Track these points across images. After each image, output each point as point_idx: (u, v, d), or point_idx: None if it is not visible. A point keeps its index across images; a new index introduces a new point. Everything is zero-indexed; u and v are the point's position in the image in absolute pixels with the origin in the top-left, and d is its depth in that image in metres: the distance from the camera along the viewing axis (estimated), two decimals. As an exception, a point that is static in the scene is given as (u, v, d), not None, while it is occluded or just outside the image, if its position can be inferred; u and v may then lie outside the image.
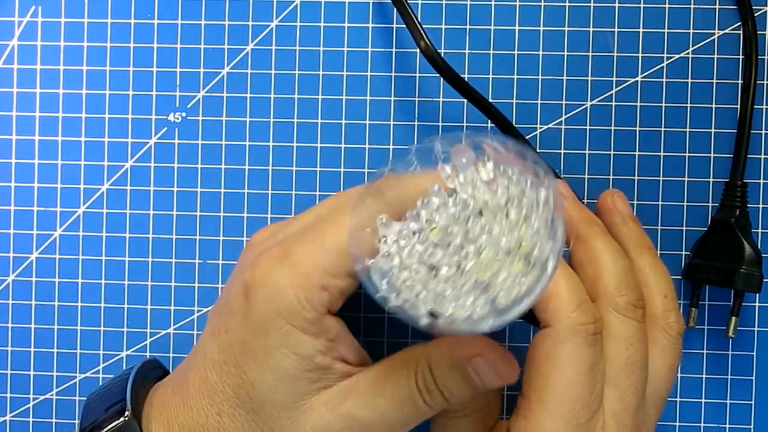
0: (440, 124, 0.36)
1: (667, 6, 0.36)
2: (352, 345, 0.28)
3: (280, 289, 0.25)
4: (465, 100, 0.35)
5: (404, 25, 0.33)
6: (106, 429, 0.27)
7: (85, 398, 0.31)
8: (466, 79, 0.36)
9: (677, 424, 0.36)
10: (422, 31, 0.33)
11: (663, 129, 0.36)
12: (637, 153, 0.36)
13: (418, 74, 0.36)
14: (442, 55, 0.36)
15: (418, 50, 0.35)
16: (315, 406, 0.26)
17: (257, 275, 0.26)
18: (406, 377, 0.26)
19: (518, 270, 0.22)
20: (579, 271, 0.30)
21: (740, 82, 0.35)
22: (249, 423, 0.26)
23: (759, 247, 0.34)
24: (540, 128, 0.36)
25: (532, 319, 0.28)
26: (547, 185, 0.23)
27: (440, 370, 0.26)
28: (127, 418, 0.27)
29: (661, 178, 0.36)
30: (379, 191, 0.25)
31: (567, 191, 0.31)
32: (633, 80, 0.36)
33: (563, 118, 0.36)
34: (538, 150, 0.35)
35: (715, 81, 0.35)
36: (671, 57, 0.36)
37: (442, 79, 0.34)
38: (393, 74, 0.36)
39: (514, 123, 0.36)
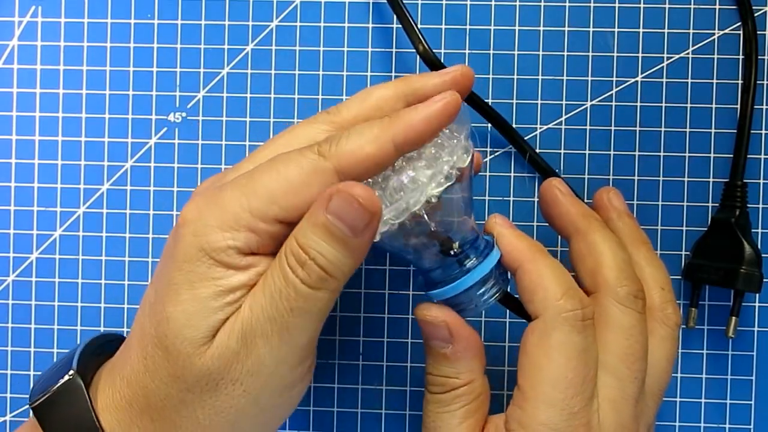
0: (440, 124, 0.36)
1: (667, 6, 0.36)
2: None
3: (207, 227, 0.25)
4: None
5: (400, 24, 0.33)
6: (51, 390, 0.27)
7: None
8: (466, 79, 0.36)
9: (677, 424, 0.36)
10: (420, 35, 0.33)
11: (663, 129, 0.36)
12: (637, 153, 0.36)
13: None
14: (442, 55, 0.36)
15: (418, 50, 0.35)
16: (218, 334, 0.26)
17: (187, 214, 0.26)
18: (278, 263, 0.25)
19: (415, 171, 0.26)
20: (579, 264, 0.30)
21: (740, 82, 0.35)
22: (164, 363, 0.26)
23: (759, 247, 0.34)
24: (540, 128, 0.36)
25: (526, 315, 0.28)
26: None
27: (303, 236, 0.25)
28: (71, 376, 0.27)
29: (661, 178, 0.36)
30: None
31: (564, 188, 0.31)
32: (633, 80, 0.36)
33: (563, 118, 0.36)
34: (537, 150, 0.35)
35: (715, 81, 0.35)
36: (671, 57, 0.36)
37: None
38: (393, 74, 0.36)
39: (514, 123, 0.36)
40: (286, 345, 0.25)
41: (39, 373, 0.37)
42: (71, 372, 0.27)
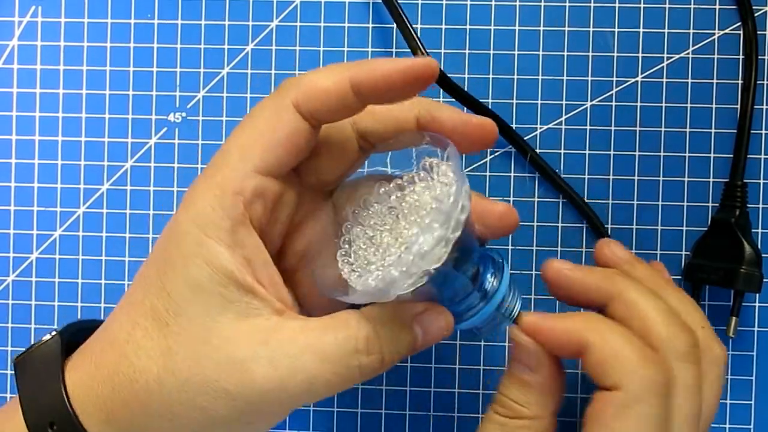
0: (440, 124, 0.36)
1: (667, 6, 0.36)
2: (273, 274, 0.27)
3: (196, 199, 0.25)
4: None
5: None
6: (30, 348, 0.27)
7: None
8: (466, 80, 0.36)
9: (677, 424, 0.36)
10: (419, 42, 0.33)
11: (663, 129, 0.36)
12: (637, 153, 0.36)
13: (418, 74, 0.36)
14: (442, 56, 0.36)
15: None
16: (233, 336, 0.25)
17: (186, 192, 0.26)
18: (345, 335, 0.25)
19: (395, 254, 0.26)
20: None
21: (740, 82, 0.35)
22: (159, 337, 0.25)
23: (759, 247, 0.34)
24: (540, 128, 0.36)
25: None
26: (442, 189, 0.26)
27: (386, 328, 0.25)
28: (51, 335, 0.27)
29: (661, 178, 0.36)
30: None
31: (566, 263, 0.29)
32: (633, 80, 0.36)
33: (563, 118, 0.36)
34: (537, 150, 0.35)
35: (715, 81, 0.35)
36: (671, 57, 0.36)
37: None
38: (393, 74, 0.36)
39: (514, 123, 0.36)
40: None
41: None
42: (52, 332, 0.27)
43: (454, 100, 0.35)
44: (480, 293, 0.27)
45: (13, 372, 0.27)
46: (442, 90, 0.35)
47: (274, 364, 0.24)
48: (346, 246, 0.27)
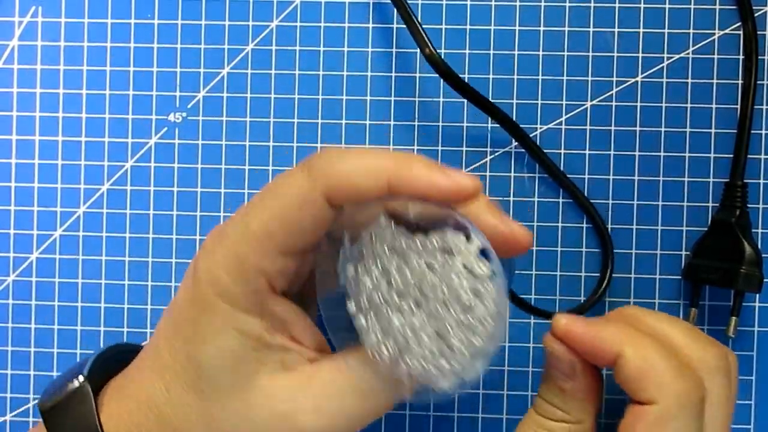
0: (440, 124, 0.36)
1: (667, 6, 0.36)
2: (307, 328, 0.27)
3: (218, 271, 0.25)
4: (465, 101, 0.35)
5: (405, 26, 0.33)
6: (61, 394, 0.27)
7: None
8: (466, 80, 0.36)
9: (677, 424, 0.36)
10: (426, 38, 0.33)
11: (663, 129, 0.36)
12: (637, 153, 0.36)
13: (418, 74, 0.36)
14: (442, 56, 0.36)
15: (418, 50, 0.35)
16: (272, 392, 0.25)
17: (200, 255, 0.26)
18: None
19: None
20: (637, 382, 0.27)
21: (740, 82, 0.35)
22: (197, 403, 0.25)
23: (759, 247, 0.34)
24: (540, 128, 0.36)
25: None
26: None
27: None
28: (80, 383, 0.27)
29: (661, 178, 0.36)
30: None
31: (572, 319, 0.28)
32: (633, 80, 0.36)
33: (563, 118, 0.36)
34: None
35: (715, 81, 0.35)
36: (671, 57, 0.36)
37: (442, 79, 0.33)
38: (393, 74, 0.36)
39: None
40: None
41: (39, 373, 0.37)
42: (81, 378, 0.27)
43: (463, 99, 0.35)
44: None
45: (40, 411, 0.27)
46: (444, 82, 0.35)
47: (319, 411, 0.25)
48: (360, 290, 0.26)
